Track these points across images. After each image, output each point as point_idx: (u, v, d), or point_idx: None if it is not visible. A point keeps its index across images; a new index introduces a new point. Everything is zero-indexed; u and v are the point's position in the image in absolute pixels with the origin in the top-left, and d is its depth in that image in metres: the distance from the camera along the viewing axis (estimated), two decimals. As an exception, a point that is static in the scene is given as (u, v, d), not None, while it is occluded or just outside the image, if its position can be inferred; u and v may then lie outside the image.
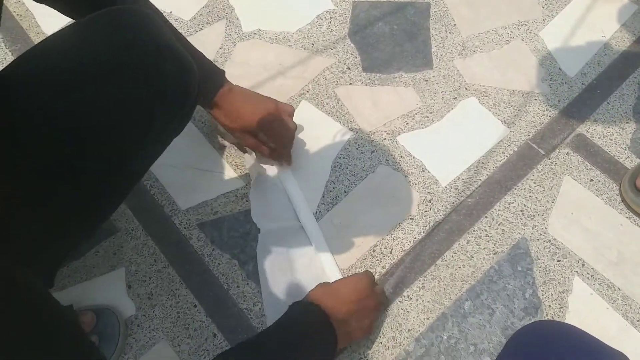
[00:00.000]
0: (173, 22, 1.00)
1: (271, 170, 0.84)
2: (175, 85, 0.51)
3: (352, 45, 0.98)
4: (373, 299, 0.67)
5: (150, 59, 0.48)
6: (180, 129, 0.57)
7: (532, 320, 0.73)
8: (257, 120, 0.74)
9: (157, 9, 0.67)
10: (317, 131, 0.88)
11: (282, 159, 0.83)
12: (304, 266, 0.76)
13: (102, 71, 0.46)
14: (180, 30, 0.98)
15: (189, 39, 0.96)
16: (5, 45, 0.96)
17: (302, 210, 0.80)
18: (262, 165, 0.83)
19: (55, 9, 0.61)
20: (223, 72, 0.75)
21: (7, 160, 0.43)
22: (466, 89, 0.93)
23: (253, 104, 0.75)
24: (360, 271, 0.76)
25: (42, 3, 0.59)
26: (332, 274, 0.75)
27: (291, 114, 0.81)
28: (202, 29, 1.00)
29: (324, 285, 0.67)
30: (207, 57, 0.74)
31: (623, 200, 0.80)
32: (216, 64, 0.95)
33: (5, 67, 0.47)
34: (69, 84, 0.45)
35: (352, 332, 0.65)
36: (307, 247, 0.78)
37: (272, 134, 0.77)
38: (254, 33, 0.99)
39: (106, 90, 0.46)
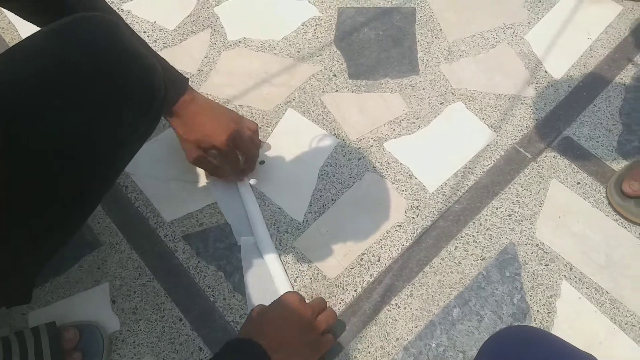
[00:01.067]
0: (157, 32, 1.00)
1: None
2: (142, 87, 0.52)
3: (338, 52, 0.97)
4: (306, 314, 0.65)
5: (119, 63, 0.49)
6: (150, 132, 0.57)
7: (521, 327, 0.72)
8: (212, 135, 0.73)
9: (119, 16, 0.68)
10: (303, 139, 0.88)
11: (241, 175, 0.82)
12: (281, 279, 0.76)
13: (72, 77, 0.46)
14: (164, 40, 0.99)
15: (173, 48, 0.98)
16: (-12, 59, 0.96)
17: (257, 226, 0.79)
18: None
19: (14, 13, 0.62)
20: (187, 79, 0.74)
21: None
22: (452, 93, 0.92)
23: (213, 118, 0.74)
24: (350, 278, 0.76)
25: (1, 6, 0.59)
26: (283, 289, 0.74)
27: (255, 132, 0.81)
28: (186, 38, 0.99)
29: (257, 311, 0.66)
30: (173, 66, 0.73)
31: (609, 203, 0.80)
32: (201, 73, 0.95)
33: None
34: (37, 90, 0.45)
35: (296, 349, 0.63)
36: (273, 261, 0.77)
37: (225, 153, 0.76)
38: (239, 41, 0.99)
39: (76, 96, 0.46)
